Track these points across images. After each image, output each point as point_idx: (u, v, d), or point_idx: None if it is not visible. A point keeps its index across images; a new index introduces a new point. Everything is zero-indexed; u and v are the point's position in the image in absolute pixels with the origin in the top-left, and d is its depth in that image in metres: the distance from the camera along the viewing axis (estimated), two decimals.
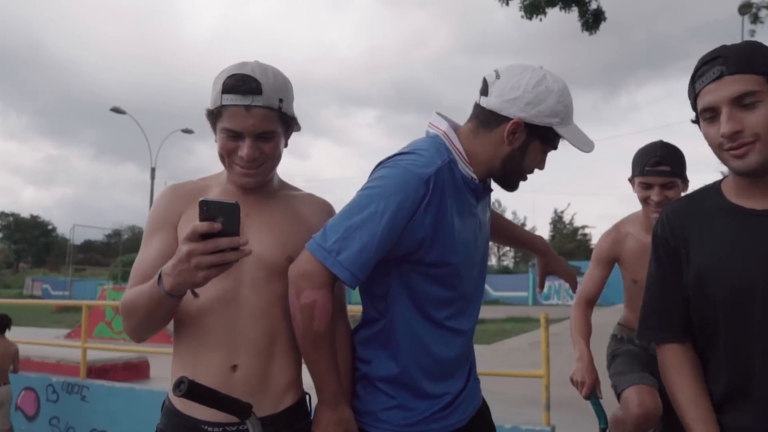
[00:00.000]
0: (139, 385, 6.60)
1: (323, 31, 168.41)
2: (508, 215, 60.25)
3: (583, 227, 48.70)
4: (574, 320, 2.71)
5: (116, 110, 28.51)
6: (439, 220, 1.52)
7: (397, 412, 1.60)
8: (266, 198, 1.66)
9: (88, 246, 64.82)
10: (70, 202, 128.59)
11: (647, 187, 2.44)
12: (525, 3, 9.20)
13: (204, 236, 1.26)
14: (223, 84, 1.51)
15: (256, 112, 1.50)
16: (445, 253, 1.55)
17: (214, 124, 1.58)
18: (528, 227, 53.62)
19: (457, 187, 1.58)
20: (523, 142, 1.57)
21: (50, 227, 73.43)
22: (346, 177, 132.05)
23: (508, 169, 1.62)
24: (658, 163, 2.39)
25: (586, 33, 9.53)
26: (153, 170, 30.59)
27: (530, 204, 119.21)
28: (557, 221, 47.65)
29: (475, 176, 1.61)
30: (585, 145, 1.60)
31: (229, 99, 1.50)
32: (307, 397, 1.66)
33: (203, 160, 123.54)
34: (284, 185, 1.75)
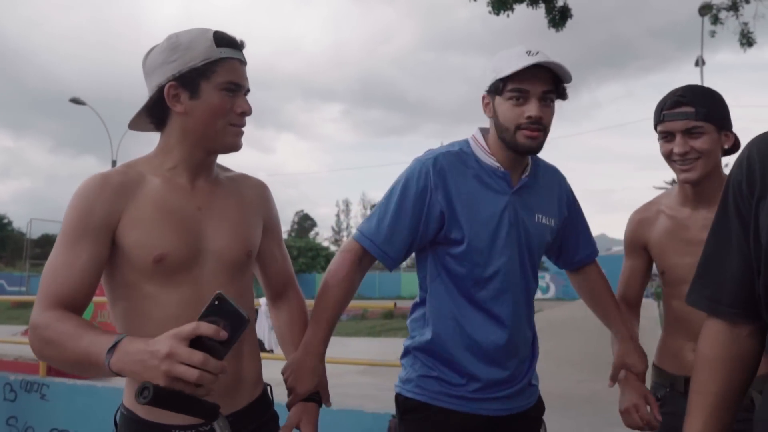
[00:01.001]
0: (102, 382, 6.45)
1: (288, 25, 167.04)
2: None
3: None
4: None
5: (75, 101, 27.83)
6: (451, 197, 1.75)
7: (433, 382, 1.79)
8: (214, 186, 1.56)
9: (45, 240, 63.06)
10: (26, 196, 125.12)
11: (668, 137, 1.92)
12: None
13: (195, 339, 1.12)
14: (214, 38, 1.43)
15: (245, 68, 1.51)
16: (458, 229, 1.75)
17: (193, 86, 1.42)
18: None
19: (474, 172, 1.80)
20: (493, 106, 1.78)
21: (6, 221, 71.35)
22: (311, 171, 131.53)
23: (503, 136, 1.76)
24: (678, 104, 1.87)
25: (551, 30, 9.65)
26: (114, 163, 30.01)
27: None
28: None
29: (498, 165, 1.80)
30: (517, 65, 1.69)
31: (228, 52, 1.44)
32: (269, 388, 1.65)
33: None
34: (219, 167, 1.64)
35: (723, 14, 10.17)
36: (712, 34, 10.58)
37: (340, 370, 8.04)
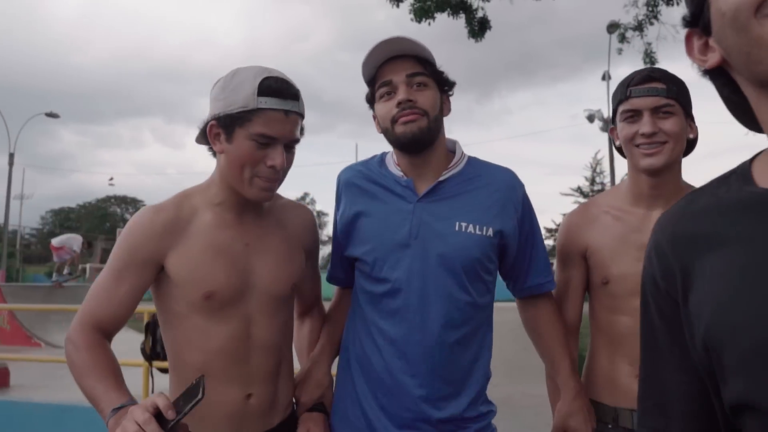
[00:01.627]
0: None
1: (201, 16, 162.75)
2: (315, 209, 61.30)
3: None
4: None
5: None
6: (349, 212, 1.68)
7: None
8: (261, 219, 1.58)
9: None
10: None
11: (633, 115, 1.66)
12: (415, 6, 9.36)
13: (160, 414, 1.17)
14: (259, 85, 1.41)
15: (293, 118, 1.46)
16: (356, 244, 1.66)
17: (230, 130, 1.43)
18: None
19: (377, 185, 1.68)
20: (377, 116, 1.68)
21: None
22: None
23: (388, 138, 1.65)
24: (649, 78, 1.65)
25: (466, 36, 9.89)
26: (11, 156, 28.38)
27: None
28: None
29: (402, 174, 1.66)
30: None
31: (268, 102, 1.41)
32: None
33: (68, 147, 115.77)
34: None
35: (629, 33, 10.73)
36: (620, 51, 11.13)
37: None
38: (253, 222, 1.56)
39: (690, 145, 1.71)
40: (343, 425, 1.66)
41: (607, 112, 19.39)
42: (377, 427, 1.60)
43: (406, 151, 1.63)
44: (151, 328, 6.07)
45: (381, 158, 1.75)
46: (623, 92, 1.68)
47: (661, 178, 1.67)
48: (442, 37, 9.43)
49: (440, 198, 1.63)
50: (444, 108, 1.67)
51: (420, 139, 1.59)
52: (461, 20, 9.74)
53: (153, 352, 6.14)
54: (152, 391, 6.06)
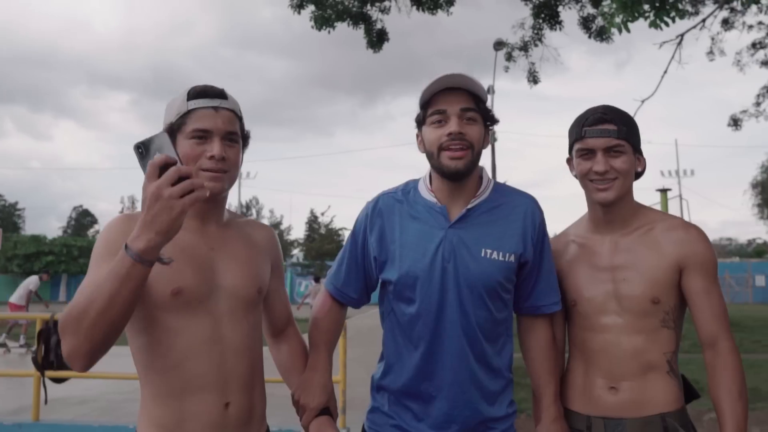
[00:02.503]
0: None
1: (75, 1, 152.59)
2: (265, 213, 60.72)
3: (341, 229, 50.94)
4: None
5: None
6: (385, 240, 1.82)
7: (382, 417, 1.86)
8: (224, 228, 1.67)
9: None
10: None
11: (587, 153, 1.83)
12: (315, 15, 9.45)
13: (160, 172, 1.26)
14: (188, 93, 1.57)
15: (223, 113, 1.57)
16: (392, 269, 1.80)
17: (174, 138, 1.54)
18: (284, 226, 54.24)
19: (412, 211, 1.83)
20: (422, 138, 1.83)
21: None
22: (93, 163, 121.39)
23: (432, 163, 1.80)
24: (601, 120, 1.80)
25: (352, 40, 10.14)
26: None
27: (287, 203, 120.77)
28: (313, 221, 48.91)
29: (436, 200, 1.81)
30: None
31: (197, 103, 1.55)
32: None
33: None
34: (229, 213, 1.75)
35: (516, 53, 11.42)
36: (506, 69, 11.80)
37: None
38: (216, 230, 1.64)
39: (638, 174, 1.90)
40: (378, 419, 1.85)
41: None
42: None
43: (449, 179, 1.77)
44: (44, 336, 5.76)
45: (414, 185, 1.89)
46: (579, 131, 1.84)
47: (614, 207, 1.85)
48: (326, 37, 9.55)
49: (469, 224, 1.78)
50: (485, 141, 1.81)
51: (464, 173, 1.75)
52: (360, 30, 9.97)
53: (45, 361, 5.83)
54: (45, 403, 5.71)
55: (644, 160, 1.88)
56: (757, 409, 6.83)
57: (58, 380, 5.33)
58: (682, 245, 1.79)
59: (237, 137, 1.61)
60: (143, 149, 1.30)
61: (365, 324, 9.67)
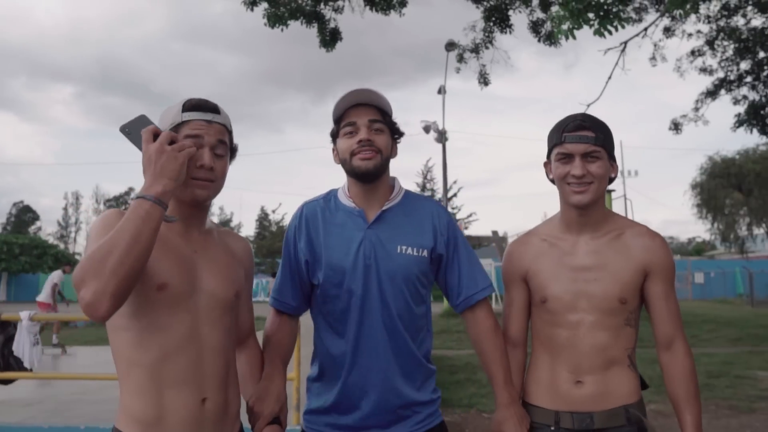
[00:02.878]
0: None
1: None
2: (215, 210, 59.81)
3: None
4: None
5: None
6: (312, 244, 1.98)
7: (317, 417, 2.00)
8: (206, 235, 1.76)
9: None
10: None
11: (566, 158, 1.92)
12: (269, 12, 9.43)
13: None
14: (183, 105, 1.68)
15: (215, 126, 1.69)
16: (318, 271, 1.96)
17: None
18: (234, 224, 53.63)
19: (334, 216, 2.01)
20: (337, 151, 2.04)
21: None
22: (35, 158, 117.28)
23: (346, 169, 2.00)
24: (580, 127, 1.90)
25: (301, 37, 10.16)
26: None
27: (237, 201, 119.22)
28: (263, 219, 48.60)
29: (354, 205, 2.00)
30: None
31: (191, 115, 1.67)
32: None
33: None
34: (210, 222, 1.85)
35: (467, 55, 11.61)
36: (458, 70, 11.99)
37: (99, 384, 7.55)
38: (198, 235, 1.74)
39: (610, 180, 2.00)
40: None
41: (442, 124, 20.66)
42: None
43: (361, 180, 1.97)
44: None
45: (334, 193, 2.07)
46: (558, 137, 1.93)
47: (588, 210, 1.95)
48: (280, 36, 9.55)
49: (385, 225, 1.97)
50: (393, 151, 2.03)
51: (374, 173, 1.94)
52: (314, 29, 9.99)
53: None
54: None
55: (617, 166, 2.00)
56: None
57: (5, 382, 5.23)
58: (648, 252, 1.92)
59: (226, 150, 1.72)
60: (129, 129, 1.60)
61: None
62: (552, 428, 1.92)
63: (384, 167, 1.97)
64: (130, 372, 1.57)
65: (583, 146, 1.89)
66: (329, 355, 1.97)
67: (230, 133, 1.75)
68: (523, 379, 2.06)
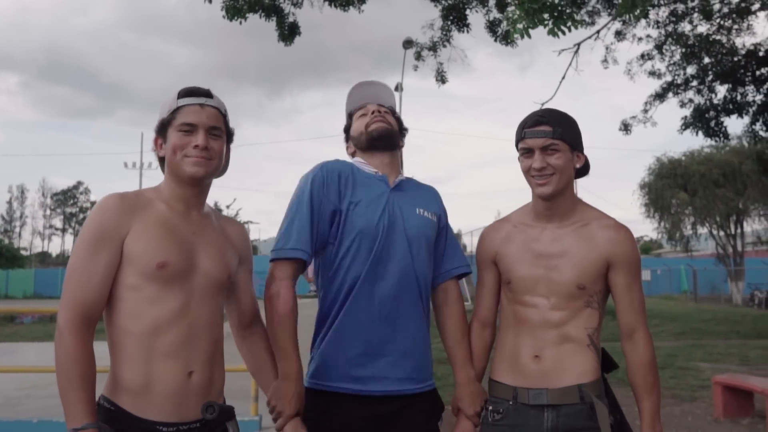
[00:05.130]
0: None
1: None
2: (89, 199, 58.23)
3: (247, 222, 50.56)
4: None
5: None
6: (340, 194, 2.06)
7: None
8: (204, 217, 1.83)
9: None
10: None
11: (527, 152, 2.03)
12: (227, 4, 9.36)
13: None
14: (178, 93, 1.80)
15: (208, 109, 1.79)
16: (351, 225, 2.04)
17: (164, 134, 1.77)
18: None
19: (357, 178, 2.13)
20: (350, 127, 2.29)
21: None
22: None
23: (360, 141, 2.22)
24: (538, 123, 2.01)
25: (257, 30, 10.14)
26: None
27: None
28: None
29: (375, 170, 2.18)
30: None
31: (185, 100, 1.78)
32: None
33: None
34: (208, 206, 1.95)
35: (425, 53, 11.72)
36: (416, 68, 12.09)
37: (49, 379, 7.40)
38: (197, 216, 1.83)
39: (582, 170, 2.13)
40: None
41: None
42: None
43: (381, 142, 2.19)
44: None
45: (351, 163, 2.22)
46: (520, 133, 2.06)
47: (554, 200, 2.05)
48: (235, 28, 9.50)
49: (403, 191, 2.18)
50: (401, 139, 2.30)
51: (391, 134, 2.20)
52: (271, 22, 9.95)
53: None
54: None
55: (584, 156, 2.09)
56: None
57: None
58: (613, 243, 2.01)
59: (221, 132, 1.81)
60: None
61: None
62: (510, 402, 2.02)
63: (396, 138, 2.23)
64: (123, 341, 1.64)
65: (540, 140, 2.00)
66: (355, 306, 1.99)
67: (224, 116, 1.85)
68: (489, 358, 2.18)
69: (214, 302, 1.79)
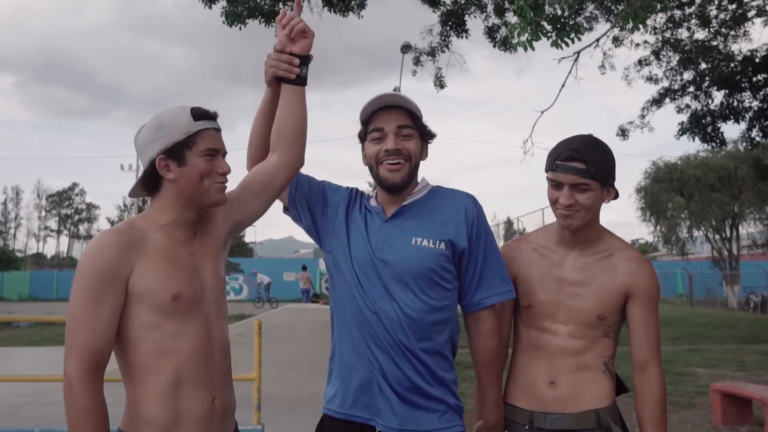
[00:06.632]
0: None
1: None
2: (84, 200, 57.71)
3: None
4: None
5: None
6: (346, 214, 2.03)
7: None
8: (198, 233, 1.81)
9: None
10: None
11: (556, 185, 1.99)
12: (227, 10, 9.38)
13: None
14: (192, 114, 1.71)
15: (221, 134, 1.79)
16: (337, 245, 2.00)
17: (179, 157, 1.69)
18: None
19: (362, 210, 2.04)
20: (364, 153, 2.04)
21: None
22: None
23: (372, 174, 2.01)
24: (572, 158, 1.94)
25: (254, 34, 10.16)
26: None
27: None
28: None
29: (376, 204, 2.03)
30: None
31: (204, 124, 1.72)
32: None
33: None
34: None
35: (423, 58, 11.75)
36: (414, 73, 12.12)
37: (48, 386, 7.38)
38: (194, 236, 1.79)
39: (613, 198, 2.05)
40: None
41: None
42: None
43: (388, 191, 1.99)
44: None
45: (369, 196, 2.11)
46: (551, 163, 1.99)
47: (578, 231, 2.03)
48: (231, 30, 9.48)
49: (402, 219, 1.97)
50: (423, 154, 2.03)
51: (401, 186, 1.97)
52: (272, 29, 9.97)
53: None
54: None
55: (615, 190, 2.03)
56: (630, 396, 7.47)
57: None
58: (633, 276, 2.00)
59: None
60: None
61: (272, 322, 9.72)
62: (526, 427, 2.01)
63: (412, 175, 1.99)
64: (146, 379, 1.62)
65: (572, 177, 1.94)
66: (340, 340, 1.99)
67: None
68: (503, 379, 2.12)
69: (224, 321, 1.82)
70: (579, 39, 5.02)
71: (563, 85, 9.86)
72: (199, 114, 1.72)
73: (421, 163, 2.03)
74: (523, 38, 4.80)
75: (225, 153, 1.78)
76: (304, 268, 19.27)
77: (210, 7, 9.39)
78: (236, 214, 1.88)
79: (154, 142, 1.69)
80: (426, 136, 2.03)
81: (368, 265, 1.92)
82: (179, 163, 1.69)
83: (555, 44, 4.91)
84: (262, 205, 1.92)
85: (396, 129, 1.94)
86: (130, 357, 1.64)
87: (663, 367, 2.04)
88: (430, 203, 2.00)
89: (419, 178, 2.05)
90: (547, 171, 2.03)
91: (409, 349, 1.86)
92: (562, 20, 4.81)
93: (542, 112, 9.87)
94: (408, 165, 1.95)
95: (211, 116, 1.76)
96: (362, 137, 2.03)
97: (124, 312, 1.62)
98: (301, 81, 1.90)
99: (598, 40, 10.70)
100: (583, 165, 1.93)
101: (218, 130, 1.77)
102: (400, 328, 1.86)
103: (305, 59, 1.89)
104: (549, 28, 4.81)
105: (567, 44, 4.95)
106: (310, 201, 2.06)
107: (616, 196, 2.05)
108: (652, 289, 2.02)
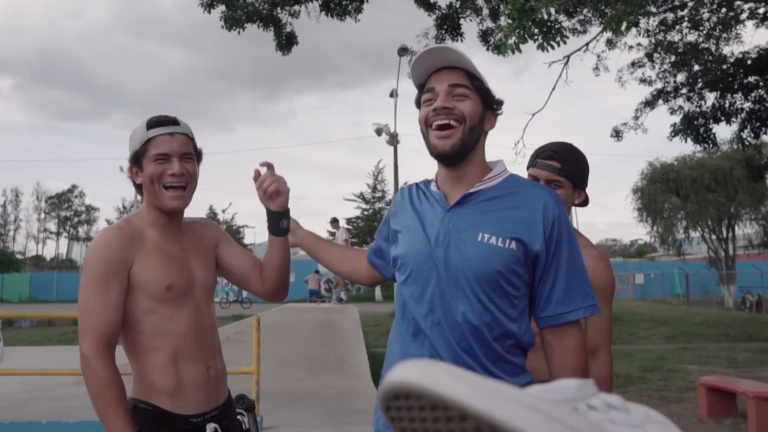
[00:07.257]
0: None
1: None
2: (83, 203, 58.04)
3: (243, 226, 50.77)
4: None
5: None
6: (400, 223, 1.83)
7: None
8: (185, 231, 2.04)
9: None
10: None
11: (534, 180, 2.16)
12: (226, 15, 9.55)
13: None
14: (147, 124, 1.91)
15: (178, 137, 1.93)
16: (398, 252, 1.79)
17: (139, 164, 1.90)
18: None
19: (422, 200, 1.80)
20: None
21: None
22: None
23: (426, 143, 1.74)
24: (550, 157, 2.18)
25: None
26: None
27: None
28: (212, 218, 48.34)
29: (436, 188, 1.77)
30: None
31: (155, 131, 1.90)
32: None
33: None
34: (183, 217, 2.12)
35: None
36: (410, 75, 12.28)
37: (53, 382, 7.56)
38: (182, 235, 2.04)
39: (581, 203, 2.28)
40: None
41: (394, 127, 21.02)
42: None
43: (440, 162, 1.74)
44: None
45: (424, 181, 1.90)
46: (532, 161, 2.24)
47: None
48: (229, 34, 9.65)
49: (468, 209, 1.68)
50: (486, 122, 1.73)
51: (452, 156, 1.67)
52: (270, 32, 10.14)
53: None
54: None
55: (585, 194, 2.26)
56: (629, 392, 7.65)
57: None
58: (593, 272, 2.09)
59: (192, 155, 1.98)
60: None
61: (271, 320, 9.87)
62: None
63: (467, 142, 1.67)
64: (149, 354, 1.88)
65: (547, 173, 2.18)
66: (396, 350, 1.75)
67: (193, 140, 2.00)
68: None
69: (211, 305, 2.06)
70: (564, 42, 5.19)
71: (553, 89, 10.05)
72: (152, 123, 1.91)
73: (419, 166, 1.92)
74: (511, 41, 4.98)
75: (184, 154, 1.92)
76: (317, 272, 19.67)
77: (209, 12, 9.55)
78: (218, 257, 2.12)
79: (129, 153, 1.96)
80: (489, 100, 1.73)
81: (425, 262, 1.68)
82: (140, 170, 1.93)
83: (541, 47, 5.08)
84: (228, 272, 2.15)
85: (448, 88, 1.67)
86: (132, 337, 1.90)
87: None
88: (503, 193, 1.69)
89: (494, 165, 1.78)
90: (528, 168, 2.25)
91: (469, 359, 1.61)
92: (548, 24, 4.99)
93: (533, 115, 10.04)
94: (461, 129, 1.65)
95: (166, 122, 1.92)
96: (418, 103, 1.77)
97: (126, 299, 1.86)
98: (281, 232, 2.07)
99: (587, 44, 10.88)
100: (558, 164, 2.17)
101: (173, 134, 1.91)
102: (462, 337, 1.61)
103: (283, 214, 2.04)
104: (536, 31, 4.99)
105: (552, 47, 5.12)
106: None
107: (585, 202, 2.26)
108: (608, 283, 2.22)
